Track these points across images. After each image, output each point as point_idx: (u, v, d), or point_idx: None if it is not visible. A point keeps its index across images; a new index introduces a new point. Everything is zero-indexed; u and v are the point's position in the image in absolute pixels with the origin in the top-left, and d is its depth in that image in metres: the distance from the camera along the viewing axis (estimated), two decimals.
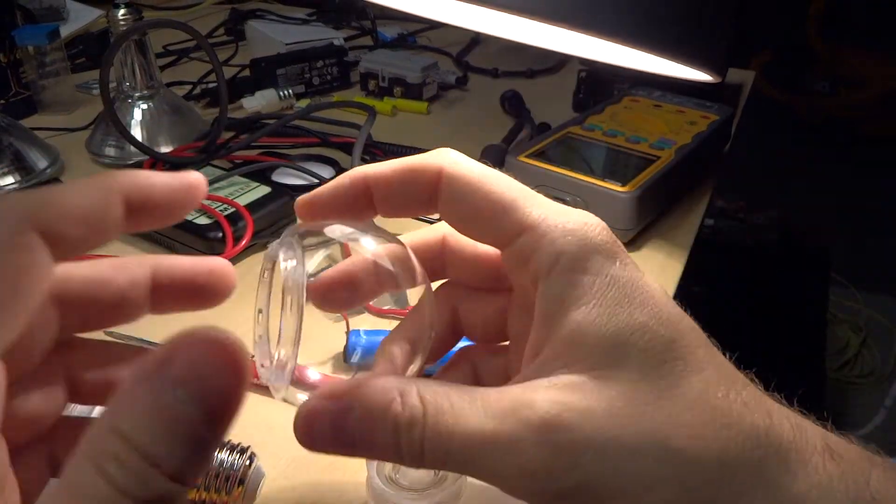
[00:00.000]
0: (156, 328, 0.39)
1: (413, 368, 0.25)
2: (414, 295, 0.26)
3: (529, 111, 0.80)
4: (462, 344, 0.30)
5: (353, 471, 0.35)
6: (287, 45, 0.89)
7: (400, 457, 0.21)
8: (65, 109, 0.81)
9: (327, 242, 0.24)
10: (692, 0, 0.39)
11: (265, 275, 0.25)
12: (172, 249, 0.55)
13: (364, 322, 0.48)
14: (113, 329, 0.41)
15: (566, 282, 0.22)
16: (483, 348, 0.30)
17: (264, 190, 0.58)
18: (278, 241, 0.24)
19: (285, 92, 0.81)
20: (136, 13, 0.66)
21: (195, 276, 0.23)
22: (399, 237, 0.27)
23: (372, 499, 0.30)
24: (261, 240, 0.54)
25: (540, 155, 0.60)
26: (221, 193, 0.57)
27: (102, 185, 0.20)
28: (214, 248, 0.52)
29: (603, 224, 0.24)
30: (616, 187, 0.55)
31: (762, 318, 1.42)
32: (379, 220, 0.28)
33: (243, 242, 0.52)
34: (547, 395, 0.21)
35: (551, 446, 0.20)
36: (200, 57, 0.96)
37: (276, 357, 0.23)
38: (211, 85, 0.85)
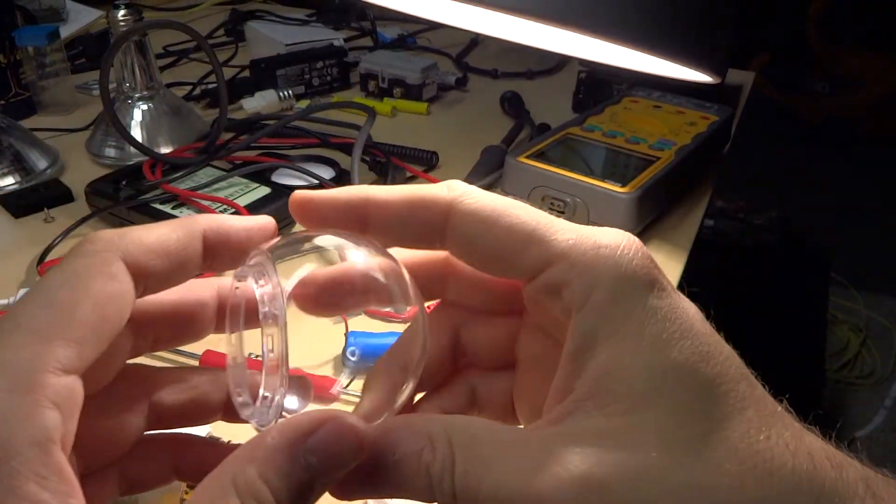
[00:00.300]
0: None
1: (403, 397, 0.24)
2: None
3: (529, 112, 0.80)
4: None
5: None
6: (287, 45, 0.89)
7: (432, 499, 0.20)
8: (64, 110, 0.81)
9: (308, 252, 0.23)
10: (692, 1, 0.39)
11: (236, 292, 0.23)
12: None
13: (364, 323, 0.48)
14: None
15: (599, 316, 0.21)
16: (482, 369, 0.28)
17: (264, 190, 0.58)
18: (248, 264, 0.23)
19: (285, 93, 0.81)
20: (136, 14, 0.66)
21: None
22: (399, 251, 0.25)
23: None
24: None
25: (540, 156, 0.60)
26: (221, 194, 0.57)
27: (185, 226, 0.22)
28: None
29: (638, 243, 0.22)
30: (616, 188, 0.55)
31: (762, 319, 1.42)
32: None
33: None
34: (579, 446, 0.20)
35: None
36: (200, 58, 0.96)
37: (260, 396, 0.22)
38: (211, 86, 0.85)
